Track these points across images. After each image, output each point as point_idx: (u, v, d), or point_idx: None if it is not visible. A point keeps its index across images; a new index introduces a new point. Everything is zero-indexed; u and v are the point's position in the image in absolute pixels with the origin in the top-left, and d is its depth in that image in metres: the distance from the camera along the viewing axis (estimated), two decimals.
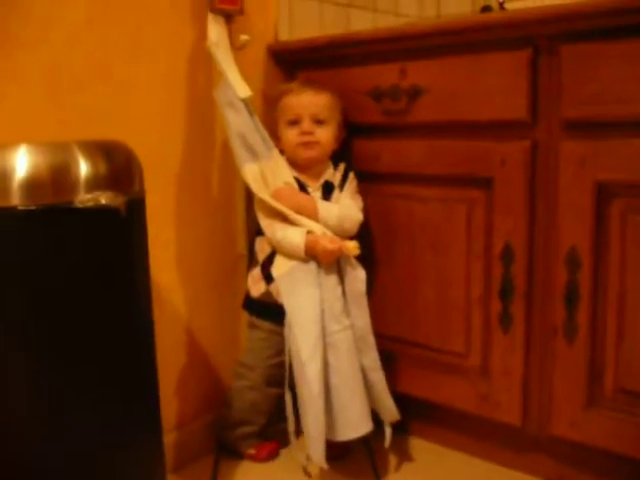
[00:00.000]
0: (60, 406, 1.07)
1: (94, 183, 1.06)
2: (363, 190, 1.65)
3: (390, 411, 1.57)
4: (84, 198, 1.05)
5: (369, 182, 1.64)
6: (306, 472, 1.59)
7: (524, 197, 1.40)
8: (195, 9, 1.57)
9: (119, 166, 1.12)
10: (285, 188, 1.55)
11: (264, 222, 1.56)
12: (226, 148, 1.65)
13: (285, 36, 1.77)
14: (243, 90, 1.55)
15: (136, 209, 1.16)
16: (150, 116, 1.52)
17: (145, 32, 1.49)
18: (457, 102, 1.46)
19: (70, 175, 1.04)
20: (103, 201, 1.06)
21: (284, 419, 1.55)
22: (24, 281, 1.03)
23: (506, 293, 1.45)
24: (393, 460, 1.64)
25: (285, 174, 1.56)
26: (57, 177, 1.03)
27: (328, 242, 1.47)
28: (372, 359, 1.54)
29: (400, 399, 1.66)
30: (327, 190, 1.60)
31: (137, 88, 1.48)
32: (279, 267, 1.53)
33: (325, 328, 1.49)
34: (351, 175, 1.63)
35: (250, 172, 1.55)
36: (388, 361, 1.66)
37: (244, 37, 1.59)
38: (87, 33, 1.38)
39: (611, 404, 1.36)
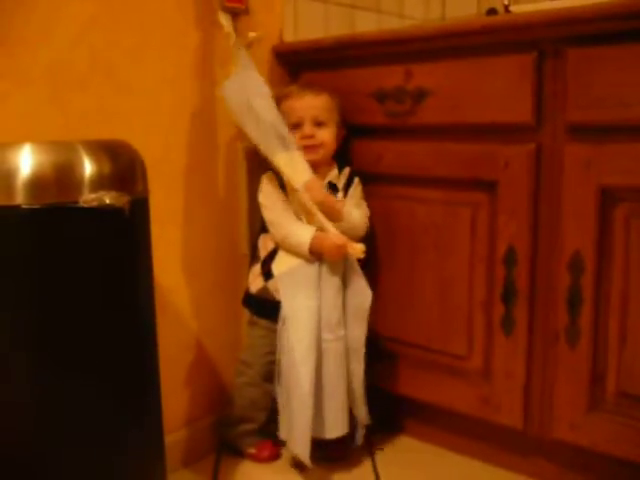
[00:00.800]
0: (61, 405, 1.06)
1: (98, 183, 1.06)
2: (364, 191, 1.65)
3: (360, 416, 1.61)
4: (88, 198, 1.05)
5: (371, 183, 1.64)
6: (300, 466, 1.59)
7: (528, 200, 1.40)
8: (200, 10, 1.58)
9: (123, 166, 1.12)
10: (317, 180, 1.55)
11: (271, 215, 1.56)
12: (230, 148, 1.65)
13: (290, 37, 1.77)
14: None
15: (140, 209, 1.15)
16: (154, 116, 1.52)
17: (150, 32, 1.49)
18: (462, 105, 1.46)
19: (74, 174, 1.04)
20: (107, 201, 1.06)
21: None
22: (27, 280, 1.03)
23: (509, 296, 1.45)
24: (394, 462, 1.64)
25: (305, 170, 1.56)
26: (61, 176, 1.03)
27: (337, 238, 1.48)
28: (358, 369, 1.58)
29: (401, 401, 1.67)
30: (330, 191, 1.60)
31: (141, 88, 1.48)
32: (280, 264, 1.55)
33: (320, 335, 1.52)
34: (356, 180, 1.64)
35: (282, 159, 1.54)
36: (389, 362, 1.67)
37: (252, 34, 1.58)
38: (92, 32, 1.38)
39: (613, 408, 1.36)
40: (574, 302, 1.36)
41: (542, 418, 1.46)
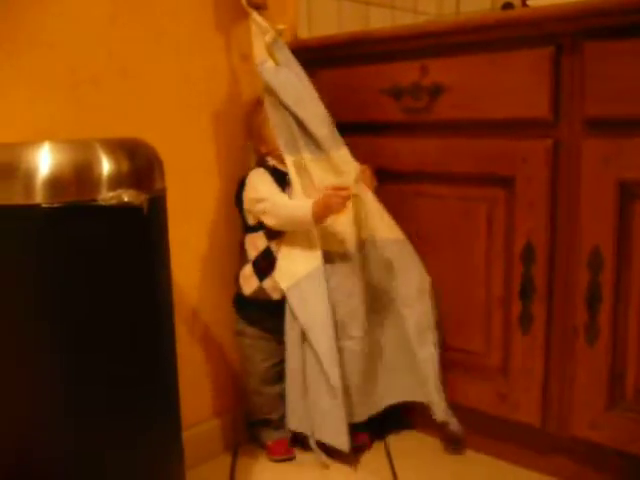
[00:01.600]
0: (81, 401, 1.07)
1: (116, 181, 1.07)
2: (380, 188, 1.65)
3: (437, 409, 1.59)
4: (107, 196, 1.05)
5: (387, 181, 1.63)
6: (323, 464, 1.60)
7: (546, 196, 1.39)
8: (217, 10, 1.58)
9: (141, 164, 1.12)
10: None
11: (266, 205, 1.53)
12: (245, 147, 1.65)
13: (304, 34, 1.77)
14: None
15: (158, 207, 1.16)
16: (170, 114, 1.52)
17: (167, 31, 1.49)
18: (479, 100, 1.46)
19: (93, 173, 1.05)
20: (126, 199, 1.06)
21: None
22: (47, 278, 1.03)
23: (526, 293, 1.44)
24: (410, 459, 1.63)
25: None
26: (80, 175, 1.04)
27: (336, 199, 1.49)
28: (426, 354, 1.59)
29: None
30: None
31: (157, 87, 1.49)
32: (285, 278, 1.55)
33: (339, 335, 1.55)
34: None
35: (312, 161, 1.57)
36: None
37: (281, 26, 1.59)
38: (109, 31, 1.39)
39: (632, 406, 1.34)
40: (593, 299, 1.35)
41: (560, 416, 1.45)
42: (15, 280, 1.04)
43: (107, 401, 1.09)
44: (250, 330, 1.63)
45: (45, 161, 1.02)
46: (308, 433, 1.58)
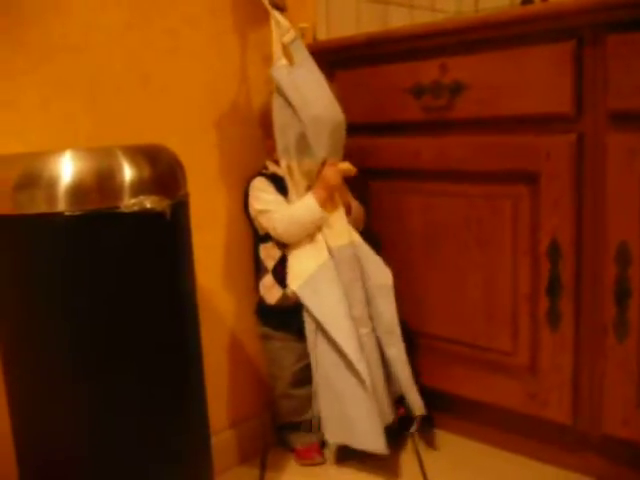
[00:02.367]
0: (108, 409, 1.07)
1: (139, 187, 1.07)
2: (403, 188, 1.64)
3: (415, 404, 1.59)
4: (129, 203, 1.05)
5: (409, 180, 1.63)
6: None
7: (571, 191, 1.37)
8: (236, 14, 1.59)
9: (163, 170, 1.13)
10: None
11: (275, 216, 1.54)
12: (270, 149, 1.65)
13: (323, 35, 1.77)
14: None
15: (180, 212, 1.16)
16: (189, 119, 1.52)
17: (184, 37, 1.50)
18: (500, 97, 1.44)
19: (115, 180, 1.05)
20: (148, 205, 1.06)
21: None
22: (72, 286, 1.04)
23: (554, 290, 1.42)
24: (440, 459, 1.62)
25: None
26: (102, 182, 1.04)
27: (330, 170, 1.52)
28: (399, 351, 1.58)
29: (445, 398, 1.66)
30: None
31: (176, 92, 1.49)
32: (295, 279, 1.54)
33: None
34: None
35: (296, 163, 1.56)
36: (432, 360, 1.66)
37: (303, 25, 1.59)
38: (127, 38, 1.39)
39: None
40: (621, 294, 1.33)
41: (592, 413, 1.43)
42: (40, 288, 1.04)
43: (134, 406, 1.09)
44: (278, 334, 1.62)
45: (67, 169, 1.02)
46: (346, 442, 1.56)
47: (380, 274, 1.57)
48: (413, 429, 1.62)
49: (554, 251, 1.41)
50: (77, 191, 1.02)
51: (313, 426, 1.60)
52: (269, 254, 1.58)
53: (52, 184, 1.01)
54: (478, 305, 1.56)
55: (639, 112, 1.27)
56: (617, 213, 1.31)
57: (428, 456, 1.63)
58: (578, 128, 1.37)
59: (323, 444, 1.64)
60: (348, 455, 1.59)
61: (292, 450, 1.67)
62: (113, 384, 1.07)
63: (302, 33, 1.60)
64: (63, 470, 1.09)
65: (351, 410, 1.51)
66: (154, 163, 1.11)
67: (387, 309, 1.56)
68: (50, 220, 1.02)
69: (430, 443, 1.70)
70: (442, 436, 1.73)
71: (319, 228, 1.54)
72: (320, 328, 1.52)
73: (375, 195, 1.72)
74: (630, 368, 1.34)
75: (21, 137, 1.23)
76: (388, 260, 1.66)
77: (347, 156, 1.63)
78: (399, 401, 1.63)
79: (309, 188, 1.55)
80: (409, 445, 1.68)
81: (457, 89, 1.49)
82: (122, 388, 1.08)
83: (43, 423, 1.09)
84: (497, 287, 1.52)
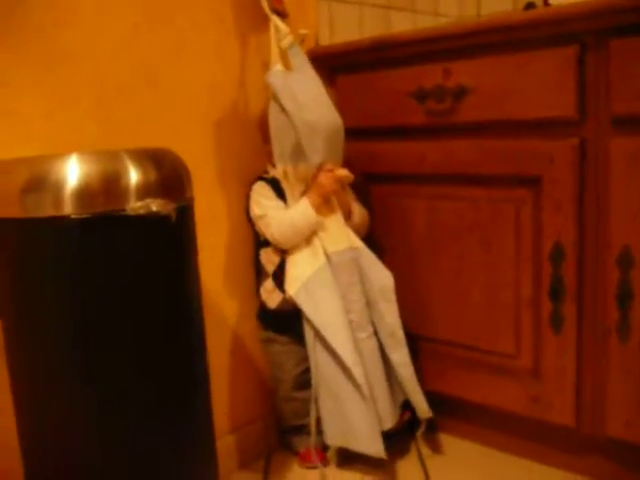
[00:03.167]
0: (113, 409, 1.08)
1: (144, 191, 1.07)
2: (407, 192, 1.65)
3: (420, 407, 1.59)
4: (135, 205, 1.06)
5: (413, 184, 1.63)
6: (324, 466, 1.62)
7: (573, 195, 1.38)
8: (239, 19, 1.60)
9: (169, 173, 1.13)
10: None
11: (273, 222, 1.54)
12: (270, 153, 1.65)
13: (326, 40, 1.77)
14: None
15: (186, 215, 1.16)
16: (194, 122, 1.53)
17: (189, 41, 1.50)
18: (503, 101, 1.45)
19: (121, 183, 1.05)
20: (154, 208, 1.07)
21: None
22: (79, 289, 1.04)
23: (556, 293, 1.43)
24: (443, 462, 1.63)
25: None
26: (108, 185, 1.04)
27: (325, 175, 1.53)
28: (402, 354, 1.57)
29: (449, 401, 1.66)
30: None
31: (181, 95, 1.50)
32: (292, 284, 1.54)
33: (353, 336, 1.53)
34: (346, 187, 1.65)
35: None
36: (436, 363, 1.66)
37: (303, 31, 1.59)
38: (133, 42, 1.40)
39: None
40: (624, 297, 1.33)
41: (595, 416, 1.43)
42: (47, 291, 1.05)
43: (138, 409, 1.10)
44: (280, 337, 1.63)
45: (74, 172, 1.03)
46: (346, 446, 1.56)
47: (381, 278, 1.57)
48: (419, 432, 1.63)
49: (557, 255, 1.41)
50: (84, 194, 1.02)
51: (312, 429, 1.59)
52: (269, 259, 1.59)
53: (59, 187, 1.02)
54: (481, 308, 1.56)
55: None
56: (620, 217, 1.32)
57: (431, 459, 1.64)
58: (581, 132, 1.37)
59: (326, 447, 1.63)
60: (350, 458, 1.59)
61: (296, 453, 1.67)
62: (118, 384, 1.07)
63: (302, 39, 1.60)
64: (68, 466, 1.10)
65: (349, 413, 1.51)
66: (160, 166, 1.11)
67: (389, 313, 1.56)
68: (57, 223, 1.02)
69: (433, 446, 1.70)
70: (445, 439, 1.73)
71: (315, 233, 1.54)
72: (318, 332, 1.53)
73: (379, 199, 1.72)
74: (633, 370, 1.34)
75: (25, 145, 1.24)
76: (391, 264, 1.67)
77: (350, 160, 1.64)
78: (405, 405, 1.63)
79: (304, 193, 1.55)
80: (413, 448, 1.68)
81: (461, 93, 1.50)
82: (128, 389, 1.08)
83: (49, 422, 1.09)
84: (500, 290, 1.53)
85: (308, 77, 1.56)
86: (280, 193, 1.58)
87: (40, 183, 1.03)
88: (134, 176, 1.07)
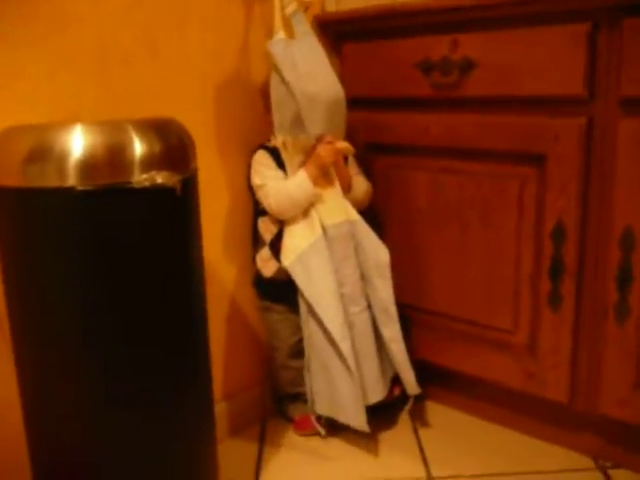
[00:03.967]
0: (116, 377, 1.09)
1: (149, 162, 1.06)
2: (410, 164, 1.64)
3: (409, 384, 1.60)
4: (140, 178, 1.05)
5: (416, 155, 1.62)
6: (322, 436, 1.64)
7: (578, 175, 1.37)
8: None
9: (174, 144, 1.12)
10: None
11: (271, 192, 1.54)
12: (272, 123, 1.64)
13: (332, 7, 1.74)
14: None
15: (190, 187, 1.16)
16: (198, 91, 1.52)
17: (194, 9, 1.48)
18: (510, 76, 1.43)
19: (126, 155, 1.04)
20: (159, 180, 1.06)
21: None
22: (83, 261, 1.04)
23: (556, 272, 1.43)
24: (436, 432, 1.66)
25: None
26: (113, 157, 1.03)
27: (323, 145, 1.51)
28: (393, 330, 1.58)
29: (444, 372, 1.69)
30: None
31: (185, 64, 1.48)
32: (287, 255, 1.54)
33: (345, 310, 1.53)
34: (350, 157, 1.64)
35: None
36: (433, 335, 1.68)
37: None
38: (136, 9, 1.37)
39: None
40: (624, 278, 1.34)
41: (589, 394, 1.45)
42: (49, 263, 1.04)
43: (141, 373, 1.11)
44: (277, 306, 1.63)
45: (78, 143, 1.01)
46: (333, 416, 1.58)
47: (377, 253, 1.57)
48: (407, 408, 1.65)
49: (558, 233, 1.41)
50: (88, 166, 1.01)
51: (308, 397, 1.61)
52: (267, 228, 1.59)
53: (63, 158, 1.00)
54: (480, 283, 1.57)
55: None
56: (624, 198, 1.32)
57: (424, 430, 1.67)
58: (589, 111, 1.36)
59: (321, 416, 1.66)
60: (346, 427, 1.60)
61: (291, 421, 1.69)
62: (123, 349, 1.08)
63: (307, 6, 1.57)
64: (72, 436, 1.11)
65: (337, 385, 1.53)
66: (165, 137, 1.10)
67: (382, 288, 1.56)
68: (61, 194, 1.01)
69: (427, 417, 1.73)
70: (438, 409, 1.76)
71: (313, 205, 1.54)
72: (310, 305, 1.53)
73: (382, 170, 1.71)
74: (629, 351, 1.36)
75: (28, 108, 1.22)
76: (392, 235, 1.67)
77: (354, 130, 1.63)
78: (397, 379, 1.64)
79: (303, 164, 1.54)
80: (406, 418, 1.70)
81: (467, 67, 1.48)
82: (133, 353, 1.09)
83: (53, 388, 1.10)
84: (500, 266, 1.53)
85: (311, 46, 1.54)
86: (281, 163, 1.56)
87: (44, 153, 1.01)
88: (139, 148, 1.06)
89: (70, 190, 1.01)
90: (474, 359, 1.60)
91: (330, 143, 1.51)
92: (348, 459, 1.56)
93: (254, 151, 1.59)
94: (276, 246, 1.56)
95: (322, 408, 1.59)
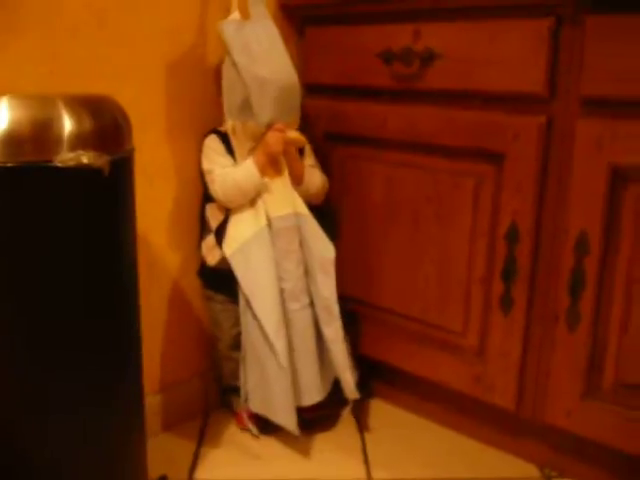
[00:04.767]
0: (40, 362, 1.04)
1: (77, 141, 1.00)
2: (367, 156, 1.59)
3: (347, 387, 1.54)
4: (65, 157, 0.99)
5: (373, 147, 1.58)
6: (253, 434, 1.59)
7: (535, 175, 1.33)
8: None
9: (105, 123, 1.06)
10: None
11: (217, 178, 1.49)
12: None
13: None
14: None
15: (122, 168, 1.10)
16: (147, 68, 1.45)
17: None
18: (472, 70, 1.38)
19: (52, 132, 0.99)
20: (85, 160, 1.00)
21: None
22: (2, 241, 0.98)
23: (508, 274, 1.39)
24: (378, 431, 1.63)
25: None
26: (38, 133, 0.98)
27: (272, 133, 1.45)
28: (334, 330, 1.52)
29: (392, 371, 1.65)
30: None
31: (134, 39, 1.42)
32: (230, 244, 1.49)
33: (284, 306, 1.48)
34: (307, 148, 1.60)
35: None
36: (380, 332, 1.64)
37: None
38: None
39: (609, 397, 1.30)
40: (576, 284, 1.30)
41: (536, 401, 1.41)
42: None
43: (66, 363, 1.06)
44: (219, 296, 1.58)
45: (2, 117, 0.96)
46: (265, 414, 1.53)
47: (322, 249, 1.51)
48: (345, 412, 1.62)
49: (512, 235, 1.37)
50: (10, 141, 0.96)
51: (242, 392, 1.55)
52: (214, 214, 1.53)
53: None
54: (432, 282, 1.52)
55: (611, 100, 1.22)
56: (579, 202, 1.27)
57: (369, 429, 1.64)
58: (549, 111, 1.32)
59: None
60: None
61: (233, 413, 1.64)
62: (44, 338, 1.03)
63: None
64: None
65: (271, 383, 1.48)
66: (97, 115, 1.04)
67: (325, 286, 1.50)
68: None
69: (372, 415, 1.69)
70: (386, 408, 1.73)
71: (259, 195, 1.48)
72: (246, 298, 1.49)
73: (339, 161, 1.66)
74: (578, 359, 1.32)
75: None
76: (346, 228, 1.63)
77: (314, 118, 1.59)
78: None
79: (252, 151, 1.49)
80: (351, 418, 1.67)
81: (429, 58, 1.43)
82: (50, 347, 1.04)
83: None
84: (452, 265, 1.49)
85: (265, 29, 1.48)
86: (231, 149, 1.51)
87: None
88: (68, 125, 1.00)
89: None
90: (422, 359, 1.56)
91: (280, 131, 1.45)
92: (287, 458, 1.52)
93: (206, 135, 1.53)
94: (221, 234, 1.51)
95: (255, 405, 1.53)
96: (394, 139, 1.53)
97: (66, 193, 1.01)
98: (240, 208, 1.49)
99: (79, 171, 1.00)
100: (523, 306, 1.39)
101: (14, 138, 0.96)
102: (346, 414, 1.65)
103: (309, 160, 1.60)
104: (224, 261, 1.50)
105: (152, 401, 1.53)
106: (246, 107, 1.44)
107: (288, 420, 1.47)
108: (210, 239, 1.54)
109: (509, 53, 1.33)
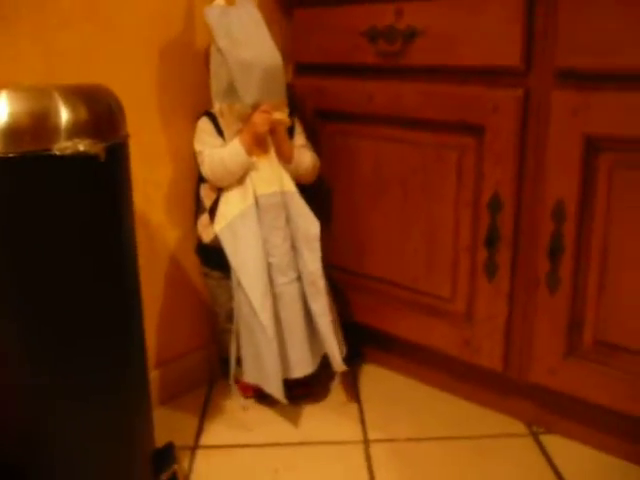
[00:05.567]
0: (43, 345, 1.09)
1: (74, 130, 1.06)
2: (355, 132, 1.65)
3: (334, 360, 1.59)
4: (62, 145, 1.05)
5: (360, 123, 1.63)
6: (243, 407, 1.67)
7: (514, 146, 1.38)
8: None
9: (101, 111, 1.11)
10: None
11: (208, 158, 1.54)
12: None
13: None
14: None
15: (118, 155, 1.15)
16: (140, 55, 1.50)
17: None
18: (453, 46, 1.43)
19: (50, 122, 1.04)
20: (81, 148, 1.06)
21: None
22: (3, 229, 1.04)
23: (492, 242, 1.45)
24: (374, 395, 1.70)
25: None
26: (37, 124, 1.03)
27: (258, 113, 1.50)
28: (321, 305, 1.57)
29: (384, 336, 1.72)
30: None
31: (126, 26, 1.46)
32: (219, 221, 1.55)
33: (272, 280, 1.54)
34: (298, 129, 1.65)
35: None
36: (372, 300, 1.71)
37: None
38: None
39: (590, 355, 1.37)
40: (555, 249, 1.36)
41: (521, 362, 1.48)
42: None
43: (68, 343, 1.11)
44: (214, 272, 1.64)
45: (2, 110, 1.01)
46: (259, 384, 1.59)
47: (308, 225, 1.56)
48: (333, 384, 1.70)
49: (495, 204, 1.43)
50: (10, 132, 1.01)
51: (231, 363, 1.61)
52: (207, 194, 1.59)
53: None
54: (420, 251, 1.59)
55: (585, 71, 1.27)
56: (556, 171, 1.33)
57: (364, 393, 1.71)
58: (526, 83, 1.36)
59: None
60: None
61: (237, 382, 1.71)
62: (48, 320, 1.09)
63: None
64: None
65: (262, 354, 1.53)
66: (92, 104, 1.09)
67: (311, 261, 1.56)
68: None
69: (368, 379, 1.77)
70: (379, 372, 1.80)
71: (247, 173, 1.54)
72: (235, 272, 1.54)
73: (328, 137, 1.72)
74: (559, 320, 1.38)
75: None
76: (336, 202, 1.68)
77: (304, 96, 1.63)
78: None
79: (240, 132, 1.54)
80: (348, 381, 1.75)
81: (411, 35, 1.48)
82: (52, 329, 1.09)
83: None
84: (439, 234, 1.55)
85: (249, 13, 1.52)
86: (221, 130, 1.57)
87: None
88: (64, 115, 1.05)
89: None
90: (413, 325, 1.63)
91: (266, 112, 1.51)
92: (286, 422, 1.60)
93: (199, 117, 1.59)
94: (214, 212, 1.57)
95: (249, 375, 1.59)
96: (380, 115, 1.59)
97: (65, 179, 1.07)
98: (230, 187, 1.55)
99: (76, 158, 1.06)
100: (507, 272, 1.45)
101: (14, 130, 1.01)
102: (336, 385, 1.73)
103: (300, 140, 1.65)
104: (218, 239, 1.56)
105: (153, 376, 1.61)
106: (232, 90, 1.49)
107: (277, 389, 1.53)
108: (205, 218, 1.60)
109: (487, 28, 1.37)
